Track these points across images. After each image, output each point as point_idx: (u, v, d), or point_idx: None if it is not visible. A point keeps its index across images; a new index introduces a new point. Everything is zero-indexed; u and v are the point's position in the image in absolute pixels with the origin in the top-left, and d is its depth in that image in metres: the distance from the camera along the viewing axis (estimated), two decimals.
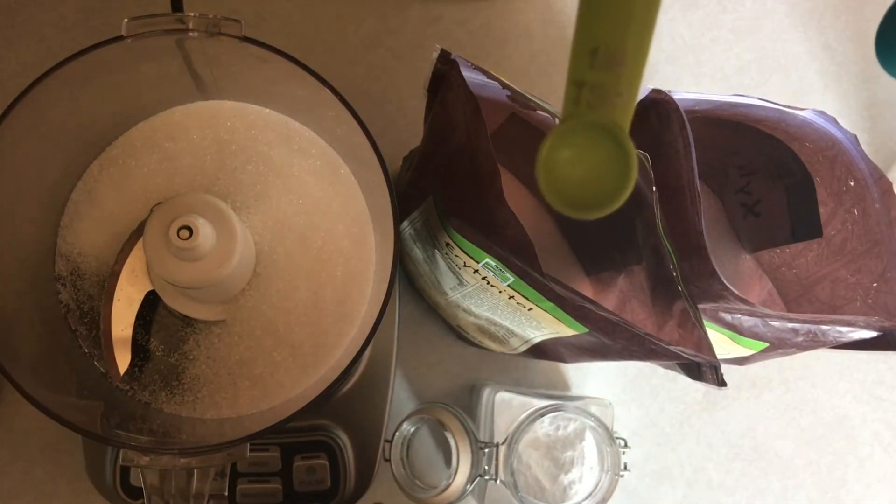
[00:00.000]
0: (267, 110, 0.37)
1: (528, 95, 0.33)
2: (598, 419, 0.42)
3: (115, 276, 0.34)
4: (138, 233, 0.34)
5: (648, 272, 0.36)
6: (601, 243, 0.41)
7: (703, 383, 0.36)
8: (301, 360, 0.35)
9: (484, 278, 0.35)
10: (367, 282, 0.36)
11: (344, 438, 0.42)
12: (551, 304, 0.33)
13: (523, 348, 0.41)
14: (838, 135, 0.38)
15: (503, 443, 0.42)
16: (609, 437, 0.42)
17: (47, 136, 0.33)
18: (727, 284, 0.33)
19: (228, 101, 0.36)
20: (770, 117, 0.38)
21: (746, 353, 0.39)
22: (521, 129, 0.39)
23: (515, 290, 0.34)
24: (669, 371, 0.42)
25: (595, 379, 0.51)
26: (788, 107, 0.38)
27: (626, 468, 0.43)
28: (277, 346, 0.34)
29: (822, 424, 0.54)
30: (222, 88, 0.36)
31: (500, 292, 0.35)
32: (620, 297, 0.39)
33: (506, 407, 0.43)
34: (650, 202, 0.33)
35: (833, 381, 0.55)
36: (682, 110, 0.35)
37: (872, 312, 0.38)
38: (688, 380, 0.37)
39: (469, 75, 0.32)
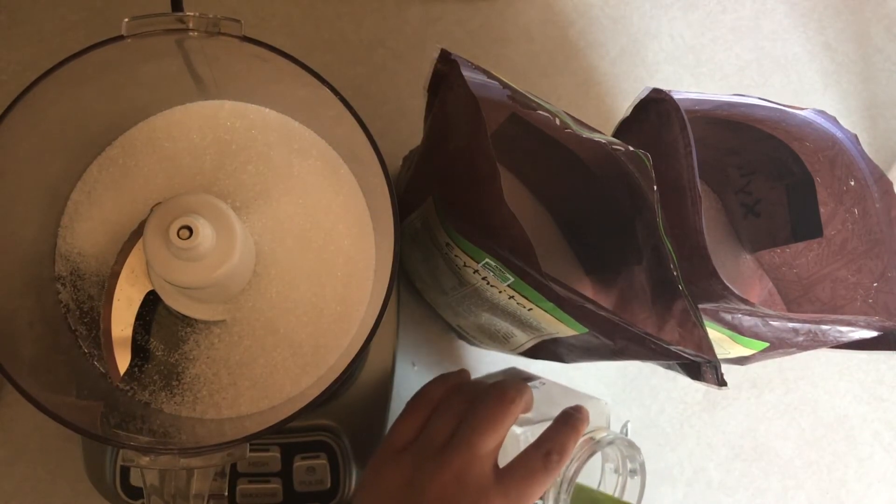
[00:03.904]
0: (267, 110, 0.37)
1: (528, 95, 0.33)
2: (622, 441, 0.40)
3: (115, 276, 0.34)
4: (138, 233, 0.34)
5: (649, 272, 0.36)
6: (601, 243, 0.41)
7: (704, 383, 0.36)
8: (301, 360, 0.34)
9: (484, 278, 0.35)
10: (368, 282, 0.36)
11: (344, 438, 0.42)
12: (551, 304, 0.33)
13: (523, 348, 0.41)
14: (838, 134, 0.38)
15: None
16: (631, 447, 0.41)
17: (47, 136, 0.33)
18: (727, 284, 0.33)
19: (228, 101, 0.36)
20: (770, 117, 0.38)
21: (747, 352, 0.39)
22: (521, 129, 0.39)
23: (515, 290, 0.34)
24: (669, 371, 0.42)
25: (595, 379, 0.51)
26: (788, 106, 0.38)
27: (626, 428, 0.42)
28: (277, 346, 0.34)
29: (823, 424, 0.54)
30: (222, 88, 0.36)
31: (500, 292, 0.35)
32: (620, 297, 0.39)
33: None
34: (651, 202, 0.33)
35: (833, 381, 0.55)
36: (682, 110, 0.35)
37: (873, 312, 0.38)
38: (688, 380, 0.37)
39: (469, 75, 0.32)
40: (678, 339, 0.33)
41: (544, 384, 0.44)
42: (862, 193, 0.38)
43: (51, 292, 0.34)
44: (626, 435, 0.41)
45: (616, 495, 0.41)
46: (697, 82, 0.56)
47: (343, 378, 0.30)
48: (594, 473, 0.42)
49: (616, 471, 0.42)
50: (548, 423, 0.38)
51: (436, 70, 0.34)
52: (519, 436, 0.40)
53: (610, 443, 0.39)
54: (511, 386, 0.37)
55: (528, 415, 0.40)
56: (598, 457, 0.42)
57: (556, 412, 0.38)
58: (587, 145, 0.38)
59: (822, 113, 0.38)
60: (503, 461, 0.36)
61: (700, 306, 0.34)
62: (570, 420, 0.37)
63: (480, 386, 0.38)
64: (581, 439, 0.38)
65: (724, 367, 0.37)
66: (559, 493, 0.38)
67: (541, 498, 0.38)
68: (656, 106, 0.36)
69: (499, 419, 0.35)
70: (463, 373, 0.41)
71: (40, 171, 0.33)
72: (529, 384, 0.40)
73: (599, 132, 0.34)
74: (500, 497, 0.33)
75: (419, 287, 0.46)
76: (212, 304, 0.34)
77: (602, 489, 0.42)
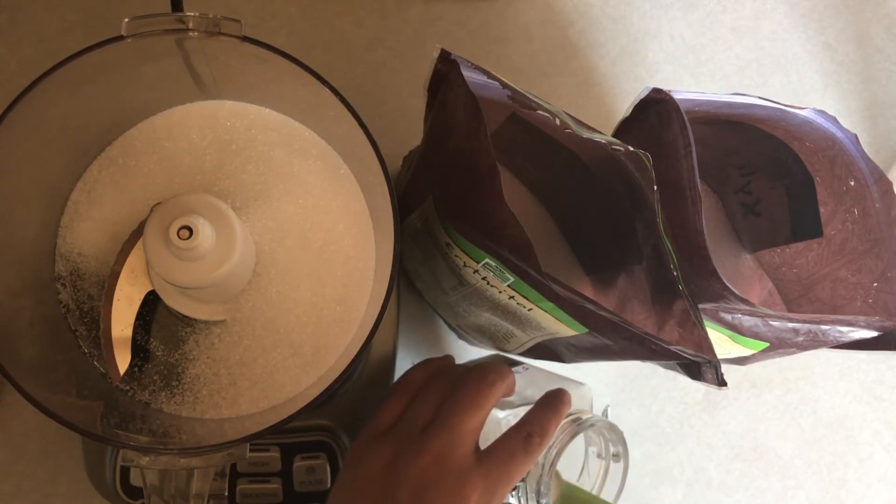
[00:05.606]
0: (267, 110, 0.37)
1: (528, 95, 0.33)
2: (603, 423, 0.41)
3: (114, 276, 0.34)
4: (138, 233, 0.34)
5: (649, 272, 0.36)
6: (601, 243, 0.41)
7: (704, 383, 0.36)
8: (301, 359, 0.34)
9: (484, 278, 0.35)
10: (368, 282, 0.36)
11: (344, 438, 0.42)
12: (551, 304, 0.33)
13: (523, 348, 0.41)
14: (838, 134, 0.38)
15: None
16: (612, 429, 0.41)
17: (47, 136, 0.33)
18: (728, 284, 0.33)
19: (228, 101, 0.36)
20: (770, 117, 0.38)
21: (747, 352, 0.39)
22: (521, 129, 0.39)
23: (515, 290, 0.34)
24: (669, 371, 0.42)
25: (595, 379, 0.51)
26: (788, 106, 0.38)
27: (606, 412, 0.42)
28: (277, 346, 0.34)
29: (822, 424, 0.54)
30: (222, 88, 0.36)
31: (500, 292, 0.35)
32: (620, 297, 0.39)
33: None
34: (651, 202, 0.33)
35: (833, 381, 0.55)
36: (682, 110, 0.34)
37: (873, 312, 0.38)
38: (688, 380, 0.37)
39: (469, 75, 0.32)
40: (678, 339, 0.33)
41: (527, 369, 0.44)
42: (862, 193, 0.38)
43: (51, 292, 0.34)
44: (607, 418, 0.41)
45: (600, 480, 0.42)
46: (697, 82, 0.56)
47: (343, 378, 0.30)
48: (578, 458, 0.42)
49: (599, 455, 0.42)
50: (530, 407, 0.38)
51: (436, 70, 0.34)
52: (501, 420, 0.40)
53: (591, 425, 0.39)
54: (492, 369, 0.37)
55: (511, 399, 0.40)
56: (581, 441, 0.42)
57: (538, 396, 0.38)
58: (587, 145, 0.38)
59: (822, 113, 0.38)
60: (485, 445, 0.36)
61: (700, 306, 0.34)
62: (551, 402, 0.37)
63: (462, 370, 0.38)
64: (563, 422, 0.38)
65: (724, 367, 0.37)
66: (541, 475, 0.38)
67: (522, 480, 0.38)
68: (656, 106, 0.36)
69: (479, 401, 0.35)
70: (447, 358, 0.41)
71: (40, 171, 0.33)
72: (513, 369, 0.40)
73: (599, 132, 0.34)
74: (480, 479, 0.33)
75: (419, 287, 0.46)
76: (212, 304, 0.34)
77: (586, 473, 0.42)
